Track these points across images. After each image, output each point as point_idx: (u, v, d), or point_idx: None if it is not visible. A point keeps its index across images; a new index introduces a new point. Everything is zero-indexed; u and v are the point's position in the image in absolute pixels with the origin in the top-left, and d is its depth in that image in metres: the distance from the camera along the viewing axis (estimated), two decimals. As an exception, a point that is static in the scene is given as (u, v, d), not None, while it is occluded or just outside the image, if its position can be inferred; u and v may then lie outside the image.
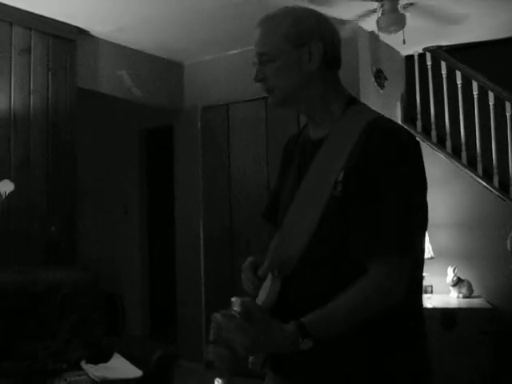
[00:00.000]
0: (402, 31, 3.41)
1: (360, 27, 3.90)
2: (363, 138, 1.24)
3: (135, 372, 2.92)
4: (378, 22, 3.39)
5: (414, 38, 3.98)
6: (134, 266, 5.55)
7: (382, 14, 3.35)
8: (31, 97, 3.62)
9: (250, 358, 1.27)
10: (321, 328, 1.14)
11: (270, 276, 1.38)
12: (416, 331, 1.29)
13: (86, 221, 5.03)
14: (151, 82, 4.62)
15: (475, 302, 3.97)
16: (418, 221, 1.24)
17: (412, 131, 4.44)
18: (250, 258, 1.48)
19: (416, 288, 1.31)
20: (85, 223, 4.92)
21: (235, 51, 4.63)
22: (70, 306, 3.30)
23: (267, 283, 1.38)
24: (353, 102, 1.39)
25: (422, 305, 1.35)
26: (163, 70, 4.77)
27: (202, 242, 4.77)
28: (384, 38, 4.08)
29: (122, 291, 5.07)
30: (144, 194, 5.62)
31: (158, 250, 5.62)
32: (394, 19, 3.30)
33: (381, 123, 1.29)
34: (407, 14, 3.53)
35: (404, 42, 3.48)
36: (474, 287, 4.09)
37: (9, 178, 3.43)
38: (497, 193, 4.15)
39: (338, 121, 1.35)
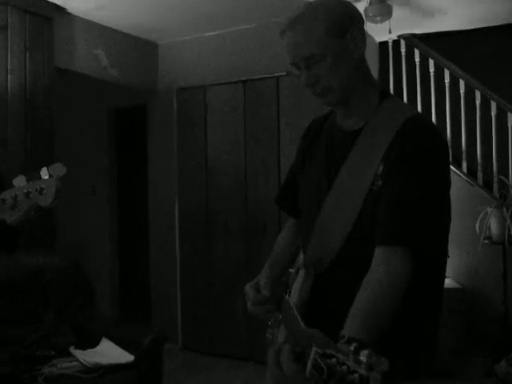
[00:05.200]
0: (388, 21, 3.49)
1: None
2: (402, 136, 1.24)
3: (127, 357, 2.92)
4: (365, 11, 3.44)
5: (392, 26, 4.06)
6: (103, 248, 5.48)
7: (369, 3, 3.41)
8: (8, 76, 3.48)
9: None
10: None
11: (302, 273, 1.38)
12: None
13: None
14: (126, 61, 4.53)
15: (445, 282, 4.16)
16: (439, 217, 1.25)
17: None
18: (254, 280, 1.42)
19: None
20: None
21: (212, 33, 4.59)
22: (53, 292, 3.26)
23: (299, 280, 1.38)
24: (386, 93, 1.38)
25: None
26: (138, 50, 4.68)
27: (177, 224, 4.76)
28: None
29: (92, 274, 5.01)
30: (113, 175, 5.53)
31: (130, 233, 5.56)
32: (382, 9, 3.37)
33: (418, 123, 1.28)
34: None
35: (390, 32, 3.56)
36: (443, 268, 4.27)
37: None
38: (465, 178, 4.34)
39: (375, 113, 1.33)
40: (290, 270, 1.46)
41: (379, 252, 1.20)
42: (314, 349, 0.86)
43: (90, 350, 2.99)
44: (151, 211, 4.97)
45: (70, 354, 2.95)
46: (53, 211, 3.81)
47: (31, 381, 2.66)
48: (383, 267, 1.17)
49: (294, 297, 1.36)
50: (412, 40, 4.56)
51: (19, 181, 1.46)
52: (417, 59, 4.54)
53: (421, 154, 1.23)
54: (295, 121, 4.12)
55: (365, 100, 1.34)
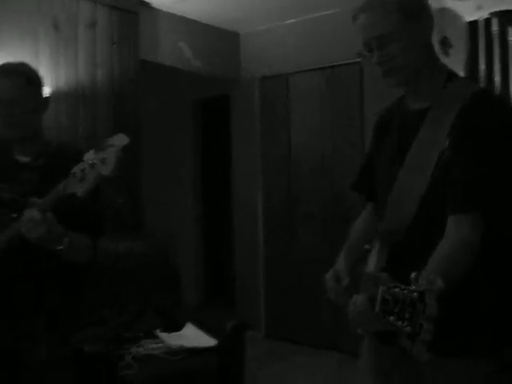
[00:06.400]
0: (476, -3, 3.29)
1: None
2: (468, 108, 1.32)
3: (209, 341, 2.99)
4: (452, -13, 3.28)
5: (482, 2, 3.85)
6: (188, 236, 5.63)
7: (456, -21, 3.24)
8: (97, 70, 3.65)
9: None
10: None
11: (377, 245, 1.45)
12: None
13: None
14: (208, 52, 4.61)
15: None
16: (506, 185, 1.31)
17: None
18: (332, 269, 1.55)
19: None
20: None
21: (293, 20, 4.55)
22: (140, 277, 3.38)
23: (374, 252, 1.45)
24: (453, 74, 1.48)
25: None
26: (220, 40, 4.75)
27: (260, 213, 4.80)
28: (447, 2, 3.96)
29: (178, 261, 5.15)
30: (198, 164, 5.65)
31: (214, 222, 5.67)
32: (470, -15, 3.19)
33: (484, 95, 1.39)
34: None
35: (479, 9, 3.37)
36: None
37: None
38: None
39: (441, 91, 1.41)
40: (366, 246, 1.50)
41: (450, 221, 1.29)
42: (381, 287, 1.03)
43: (174, 334, 3.10)
44: (235, 200, 5.04)
45: (156, 336, 3.07)
46: (141, 200, 3.96)
47: (119, 359, 2.78)
48: (452, 235, 1.27)
49: (369, 268, 1.45)
50: (506, 17, 4.29)
51: (89, 154, 1.52)
52: (511, 38, 4.26)
53: (487, 125, 1.30)
54: (380, 107, 4.01)
55: (432, 81, 1.43)
